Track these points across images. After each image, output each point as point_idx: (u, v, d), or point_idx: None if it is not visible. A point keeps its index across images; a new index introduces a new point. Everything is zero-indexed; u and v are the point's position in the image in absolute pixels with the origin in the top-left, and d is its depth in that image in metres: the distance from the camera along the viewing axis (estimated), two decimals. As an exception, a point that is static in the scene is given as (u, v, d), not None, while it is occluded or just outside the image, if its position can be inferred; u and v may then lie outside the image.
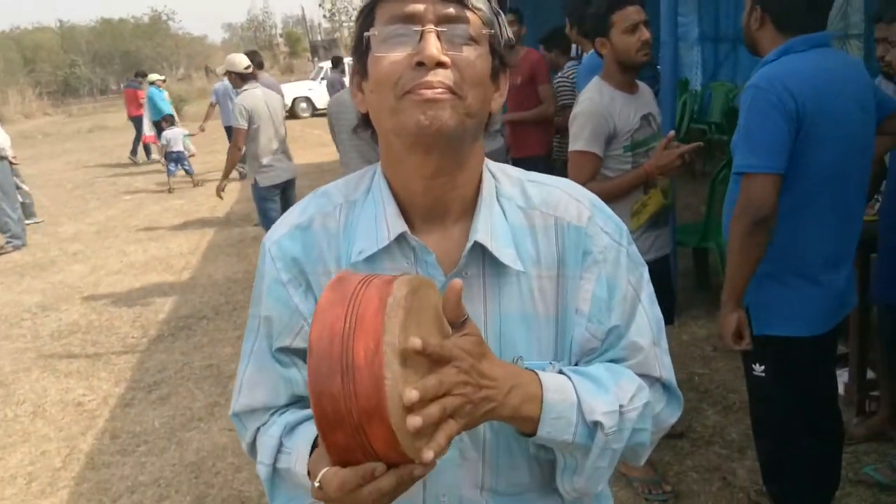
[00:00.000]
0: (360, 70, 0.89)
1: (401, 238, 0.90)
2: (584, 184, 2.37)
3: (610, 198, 2.44)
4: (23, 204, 8.81)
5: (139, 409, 3.75)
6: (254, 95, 4.93)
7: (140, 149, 13.29)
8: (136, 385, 4.06)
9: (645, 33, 2.42)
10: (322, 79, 18.46)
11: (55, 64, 45.79)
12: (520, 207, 0.93)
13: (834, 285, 1.94)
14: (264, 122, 4.88)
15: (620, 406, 0.88)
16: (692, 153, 2.36)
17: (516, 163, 4.63)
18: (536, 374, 0.86)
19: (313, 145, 12.89)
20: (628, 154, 2.46)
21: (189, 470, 3.13)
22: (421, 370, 0.73)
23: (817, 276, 1.92)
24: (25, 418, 3.83)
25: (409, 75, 0.80)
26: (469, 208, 0.92)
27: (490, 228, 0.90)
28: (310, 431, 0.90)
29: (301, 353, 0.95)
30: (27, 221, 8.88)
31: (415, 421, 0.67)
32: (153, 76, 12.01)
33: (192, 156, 10.61)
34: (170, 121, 10.85)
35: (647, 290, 0.97)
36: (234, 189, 9.93)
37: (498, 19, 0.88)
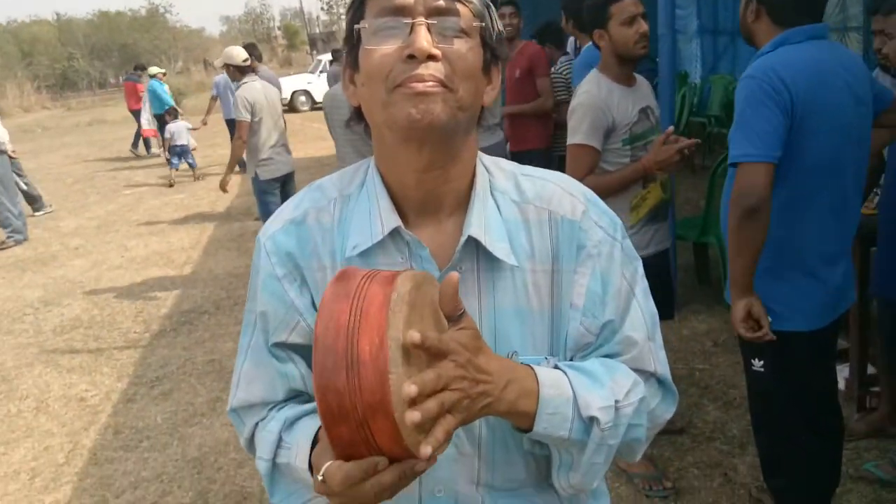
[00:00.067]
0: (352, 63, 0.89)
1: (395, 232, 0.90)
2: (582, 177, 2.40)
3: (608, 192, 2.44)
4: (30, 196, 8.85)
5: (141, 405, 3.77)
6: (254, 88, 4.94)
7: (150, 140, 13.26)
8: (138, 380, 4.07)
9: (643, 25, 2.42)
10: (321, 72, 18.42)
11: (53, 57, 45.64)
12: (514, 201, 0.93)
13: (832, 279, 1.95)
14: (265, 115, 4.90)
15: (616, 401, 0.88)
16: (691, 148, 2.37)
17: (515, 156, 4.64)
18: (532, 368, 0.86)
19: (312, 139, 12.87)
20: (627, 147, 2.46)
21: (191, 465, 3.14)
22: (422, 365, 0.74)
23: (815, 270, 1.92)
24: (28, 413, 3.84)
25: (399, 68, 0.80)
26: (463, 202, 0.92)
27: (484, 222, 0.90)
28: (309, 426, 0.91)
29: (297, 349, 0.95)
30: (39, 213, 8.93)
31: (413, 416, 0.68)
32: (154, 69, 11.97)
33: (194, 149, 10.62)
34: (173, 113, 10.84)
35: (642, 285, 0.97)
36: (234, 183, 9.90)
37: (489, 12, 0.87)
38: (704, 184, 4.48)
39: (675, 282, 3.85)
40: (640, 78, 2.59)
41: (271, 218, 0.99)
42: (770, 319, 1.89)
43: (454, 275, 0.78)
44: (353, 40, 0.87)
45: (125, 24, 49.60)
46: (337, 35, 32.71)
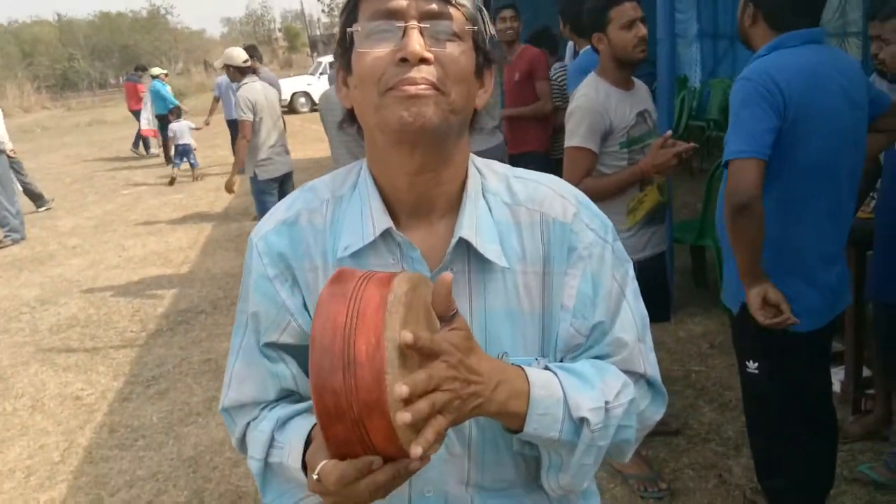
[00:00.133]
0: (345, 65, 0.89)
1: (386, 234, 0.90)
2: (579, 180, 2.41)
3: (606, 195, 2.45)
4: (32, 193, 8.88)
5: (137, 404, 3.77)
6: (254, 89, 4.98)
7: (149, 140, 13.29)
8: (134, 379, 4.07)
9: (642, 29, 2.42)
10: (321, 74, 18.46)
11: (53, 58, 45.69)
12: (505, 203, 0.93)
13: (829, 281, 1.95)
14: (264, 115, 4.95)
15: (606, 402, 0.88)
16: (688, 152, 2.37)
17: (514, 159, 4.64)
18: (523, 369, 0.86)
19: (312, 140, 12.87)
20: (624, 151, 2.46)
21: (187, 464, 3.14)
22: (416, 365, 0.74)
23: (810, 272, 1.93)
24: (24, 412, 3.84)
25: (392, 71, 0.81)
26: (454, 204, 0.92)
27: (475, 224, 0.90)
28: (302, 426, 0.91)
29: (289, 349, 0.95)
30: (41, 209, 8.97)
31: (404, 417, 0.68)
32: (156, 70, 12.02)
33: (194, 150, 10.66)
34: (177, 112, 10.89)
35: (632, 287, 0.97)
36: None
37: (481, 16, 0.88)
38: (702, 187, 4.50)
39: (672, 284, 3.86)
40: (638, 82, 2.59)
41: (264, 218, 0.99)
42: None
43: (447, 275, 0.78)
44: (346, 43, 0.88)
45: (126, 25, 49.66)
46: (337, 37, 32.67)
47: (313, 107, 18.82)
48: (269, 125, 4.99)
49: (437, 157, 0.87)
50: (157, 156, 12.86)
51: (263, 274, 0.94)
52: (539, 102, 4.61)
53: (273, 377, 0.96)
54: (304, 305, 0.94)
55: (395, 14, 0.81)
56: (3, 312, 5.52)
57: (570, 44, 4.89)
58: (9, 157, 7.75)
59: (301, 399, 0.97)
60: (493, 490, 0.96)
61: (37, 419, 3.74)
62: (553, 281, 0.92)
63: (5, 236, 7.63)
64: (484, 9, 0.90)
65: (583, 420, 0.86)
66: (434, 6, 0.82)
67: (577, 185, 2.39)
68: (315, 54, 29.61)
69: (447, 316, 0.79)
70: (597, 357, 0.94)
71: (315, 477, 0.76)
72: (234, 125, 7.64)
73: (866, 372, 2.92)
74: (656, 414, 0.99)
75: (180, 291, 5.58)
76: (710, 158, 7.01)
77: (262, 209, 5.01)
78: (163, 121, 11.35)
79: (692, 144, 2.39)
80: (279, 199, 4.13)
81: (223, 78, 9.56)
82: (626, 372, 0.94)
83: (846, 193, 1.94)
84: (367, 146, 0.92)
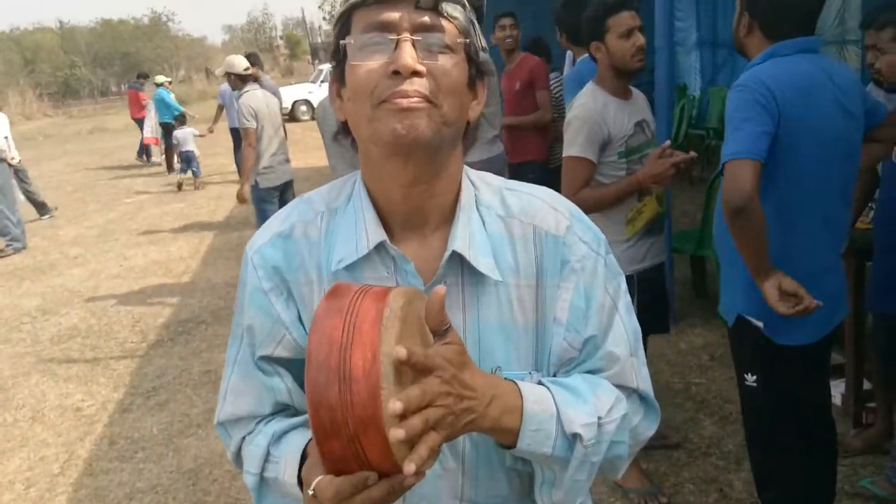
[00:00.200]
0: (338, 77, 0.89)
1: (380, 247, 0.90)
2: (578, 190, 2.41)
3: (604, 204, 2.45)
4: (35, 202, 8.93)
5: (137, 415, 3.76)
6: (255, 96, 5.02)
7: (150, 148, 13.36)
8: (134, 391, 4.07)
9: (640, 39, 2.43)
10: (322, 81, 18.49)
11: (55, 65, 45.81)
12: (499, 216, 0.93)
13: (823, 291, 1.94)
14: (266, 123, 4.97)
15: (599, 418, 0.88)
16: (686, 162, 2.37)
17: (514, 168, 4.65)
18: (516, 384, 0.86)
19: (312, 148, 12.89)
20: (623, 160, 2.47)
21: (186, 477, 3.14)
22: (410, 380, 0.74)
23: (804, 282, 1.92)
24: (24, 423, 3.84)
25: (384, 84, 0.81)
26: (448, 216, 0.92)
27: (468, 237, 0.90)
28: (297, 440, 0.91)
29: (283, 362, 0.95)
30: (45, 217, 9.01)
31: (398, 433, 0.68)
32: (160, 78, 12.09)
33: (197, 157, 10.74)
34: (182, 119, 10.96)
35: (625, 300, 0.97)
36: (233, 193, 9.90)
37: (473, 28, 0.88)
38: (702, 196, 4.50)
39: (672, 295, 3.85)
40: (636, 91, 2.60)
41: (259, 231, 0.99)
42: (762, 325, 1.88)
43: (440, 289, 0.78)
44: (340, 55, 0.88)
45: (128, 33, 49.80)
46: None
47: (314, 115, 18.84)
48: (271, 133, 5.01)
49: (431, 169, 0.87)
50: (159, 164, 12.90)
51: (258, 287, 0.94)
52: (539, 112, 4.62)
53: (268, 391, 0.96)
54: (299, 318, 0.94)
55: (388, 27, 0.82)
56: (4, 322, 5.52)
57: (569, 53, 4.91)
58: (10, 165, 7.77)
59: (297, 413, 0.97)
60: None
61: (37, 430, 3.74)
62: (546, 294, 0.92)
63: (7, 245, 7.65)
64: (476, 22, 0.90)
65: (576, 436, 0.86)
66: (426, 19, 0.82)
67: (575, 194, 2.42)
68: (316, 62, 29.68)
69: (440, 330, 0.79)
70: (589, 371, 0.94)
71: (311, 492, 0.76)
72: (237, 133, 7.70)
73: (867, 385, 2.91)
74: (649, 429, 0.99)
75: (181, 301, 5.59)
76: (710, 167, 7.01)
77: (263, 217, 5.02)
78: (167, 129, 11.41)
79: (690, 155, 2.40)
80: (279, 208, 4.14)
81: (226, 86, 9.60)
82: (619, 387, 0.94)
83: (839, 203, 1.94)
84: (361, 158, 0.92)
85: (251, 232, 7.31)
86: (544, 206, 0.95)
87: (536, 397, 0.86)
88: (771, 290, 1.82)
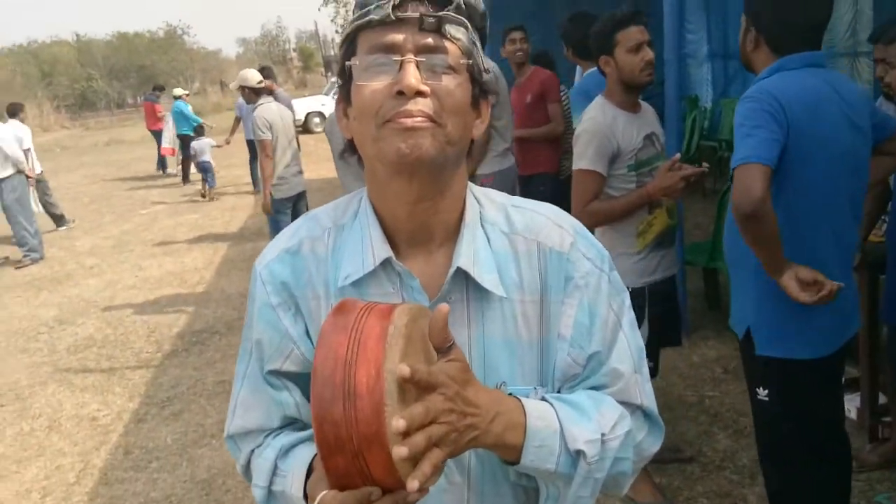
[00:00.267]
0: (344, 97, 0.92)
1: (386, 263, 0.91)
2: (587, 203, 2.42)
3: (613, 217, 2.47)
4: (54, 215, 9.06)
5: (152, 425, 3.80)
6: (270, 109, 5.12)
7: (166, 159, 13.54)
8: (149, 400, 4.10)
9: (648, 53, 2.45)
10: (335, 93, 18.59)
11: (72, 77, 46.36)
12: (503, 233, 0.95)
13: (836, 306, 1.94)
14: (280, 135, 5.07)
15: (602, 434, 0.89)
16: (696, 175, 2.38)
17: (524, 180, 4.67)
18: (520, 401, 0.87)
19: (325, 160, 12.92)
20: (632, 173, 2.48)
21: (200, 487, 3.16)
22: (414, 397, 0.75)
23: None
24: (41, 432, 3.88)
25: (389, 104, 0.82)
26: (453, 233, 0.93)
27: (473, 254, 0.91)
28: (304, 455, 0.92)
29: (292, 377, 0.97)
30: (62, 228, 9.13)
31: (401, 451, 0.69)
32: (178, 90, 12.30)
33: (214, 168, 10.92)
34: (199, 131, 11.15)
35: (629, 316, 0.98)
36: (247, 204, 10.05)
37: (476, 49, 0.90)
38: (714, 208, 4.48)
39: (684, 307, 3.85)
40: (644, 105, 2.62)
41: (268, 246, 1.02)
42: (757, 341, 1.87)
43: (444, 307, 0.80)
44: (346, 76, 0.90)
45: (143, 46, 50.35)
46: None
47: (327, 126, 18.95)
48: (284, 145, 5.12)
49: (435, 187, 0.89)
50: (175, 175, 13.04)
51: (267, 302, 0.96)
52: (551, 124, 4.64)
53: (277, 405, 0.97)
54: (307, 333, 0.96)
55: (392, 48, 0.84)
56: (21, 332, 5.59)
57: (580, 67, 4.94)
58: (29, 177, 7.89)
59: (304, 426, 0.99)
60: None
61: (53, 440, 3.78)
62: (551, 310, 0.93)
63: (24, 256, 7.75)
64: (479, 42, 0.92)
65: (579, 452, 0.87)
66: (430, 40, 0.84)
67: (584, 207, 2.44)
68: (329, 74, 29.89)
69: (444, 347, 0.81)
70: (593, 387, 0.95)
71: None
72: (253, 144, 7.83)
73: (883, 398, 2.89)
74: (653, 445, 0.99)
75: (195, 312, 5.63)
76: (723, 179, 6.99)
77: (276, 228, 5.08)
78: (186, 140, 11.58)
79: (700, 169, 2.40)
80: (292, 218, 4.18)
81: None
82: (623, 403, 0.95)
83: (848, 217, 1.94)
84: (367, 176, 0.94)
85: (265, 243, 7.33)
86: (548, 222, 0.96)
87: (540, 414, 0.87)
88: (789, 282, 1.81)
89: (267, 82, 6.67)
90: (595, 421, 0.89)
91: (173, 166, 13.23)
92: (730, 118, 7.62)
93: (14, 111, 8.42)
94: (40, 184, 8.69)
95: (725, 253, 2.14)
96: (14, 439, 3.83)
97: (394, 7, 0.83)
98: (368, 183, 0.95)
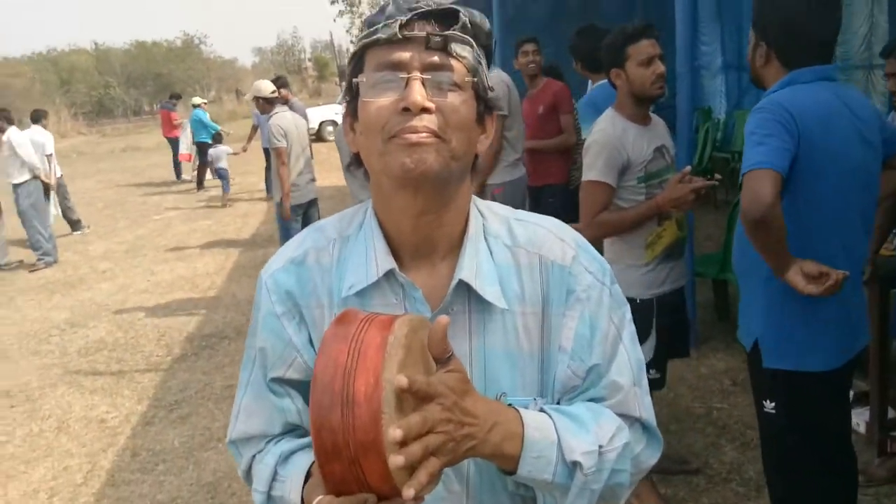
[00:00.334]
0: (352, 113, 0.94)
1: (389, 274, 0.93)
2: (596, 214, 2.43)
3: (622, 228, 2.46)
4: (70, 219, 9.18)
5: (160, 428, 3.82)
6: (285, 117, 5.25)
7: (182, 166, 13.70)
8: (157, 403, 4.13)
9: (660, 67, 2.45)
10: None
11: (90, 85, 46.87)
12: (506, 246, 0.96)
13: (842, 318, 1.93)
14: (294, 143, 5.17)
15: (600, 446, 0.89)
16: (706, 188, 2.38)
17: (534, 191, 4.67)
18: (518, 411, 0.88)
19: (337, 168, 12.95)
20: (642, 185, 2.48)
21: (206, 490, 3.17)
22: (412, 406, 0.76)
23: (824, 309, 1.91)
24: (50, 433, 3.91)
25: (395, 120, 0.84)
26: (456, 246, 0.95)
27: (476, 266, 0.92)
28: (303, 461, 0.93)
29: (294, 384, 0.98)
30: (76, 233, 9.24)
31: (397, 460, 0.70)
32: (196, 99, 12.60)
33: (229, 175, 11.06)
34: (217, 139, 11.33)
35: (629, 330, 0.99)
36: (260, 210, 10.11)
37: (481, 67, 0.91)
38: (725, 220, 4.47)
39: (693, 319, 3.83)
40: (655, 117, 2.62)
41: (274, 256, 1.03)
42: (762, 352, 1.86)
43: (443, 319, 0.81)
44: (353, 92, 0.92)
45: (161, 54, 50.85)
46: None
47: (340, 135, 19.05)
48: (298, 152, 5.22)
49: (439, 201, 0.90)
50: (190, 181, 13.17)
51: (271, 311, 0.98)
52: (564, 135, 4.65)
53: (279, 412, 0.99)
54: (310, 342, 0.97)
55: (399, 65, 0.86)
56: (33, 334, 5.65)
57: (590, 82, 4.95)
58: (44, 182, 7.99)
59: (306, 433, 1.00)
60: None
61: (62, 441, 3.80)
62: (552, 322, 0.94)
63: (38, 259, 7.83)
64: (484, 60, 0.93)
65: (576, 464, 0.87)
66: (436, 58, 0.86)
67: (593, 218, 2.44)
68: (343, 83, 30.08)
69: (443, 358, 0.82)
70: (592, 400, 0.95)
71: None
72: (269, 152, 7.95)
73: (892, 413, 2.86)
74: (651, 458, 1.00)
75: (206, 316, 5.67)
76: (735, 190, 6.95)
77: (286, 235, 5.14)
78: (203, 147, 11.75)
79: (710, 182, 2.40)
80: (302, 225, 4.24)
81: (260, 107, 9.89)
82: (621, 415, 0.95)
83: (859, 231, 1.94)
84: (373, 189, 0.95)
85: (276, 249, 7.38)
86: (551, 236, 0.97)
87: (538, 424, 0.88)
88: (795, 277, 1.80)
89: (283, 91, 6.81)
90: (593, 433, 0.90)
91: (188, 172, 13.37)
92: (743, 130, 7.60)
93: (37, 117, 8.64)
94: (60, 188, 8.83)
95: (734, 264, 2.13)
96: (23, 440, 3.86)
97: (401, 26, 0.85)
98: (374, 196, 0.96)
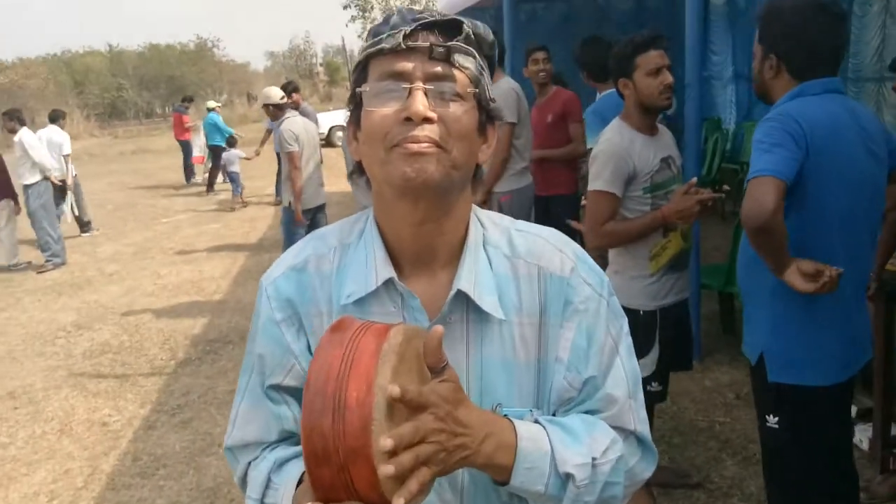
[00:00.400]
0: (355, 121, 0.94)
1: (388, 283, 0.93)
2: (602, 223, 2.42)
3: (627, 238, 2.45)
4: (81, 220, 9.26)
5: (161, 432, 3.82)
6: (296, 122, 5.32)
7: (194, 168, 13.80)
8: (160, 408, 4.13)
9: (668, 77, 2.45)
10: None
11: (103, 87, 47.17)
12: (505, 256, 0.96)
13: (846, 333, 1.91)
14: (304, 148, 5.23)
15: (593, 459, 0.89)
16: (712, 200, 2.36)
17: (541, 200, 4.65)
18: (512, 422, 0.88)
19: (345, 174, 13.07)
20: (648, 196, 2.47)
21: (205, 495, 3.17)
22: (405, 415, 0.76)
23: (827, 323, 1.89)
24: (52, 436, 3.92)
25: (397, 129, 0.85)
26: (456, 255, 0.95)
27: (474, 276, 0.93)
28: (297, 468, 0.93)
29: (292, 391, 0.98)
30: (86, 234, 9.31)
31: (387, 469, 0.70)
32: (211, 103, 12.79)
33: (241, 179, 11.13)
34: (232, 142, 11.43)
35: (626, 342, 0.99)
36: (268, 215, 10.14)
37: (483, 77, 0.92)
38: (732, 231, 4.44)
39: (698, 331, 3.80)
40: (662, 128, 2.61)
41: (275, 263, 1.04)
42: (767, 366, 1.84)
43: (438, 329, 0.81)
44: (357, 101, 0.93)
45: (174, 58, 51.14)
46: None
47: (349, 141, 19.12)
48: (307, 156, 5.28)
49: (440, 210, 0.91)
50: (200, 184, 13.26)
51: (271, 317, 0.98)
52: (573, 144, 4.63)
53: (276, 419, 0.99)
54: (309, 349, 0.98)
55: (402, 75, 0.86)
56: (39, 336, 5.67)
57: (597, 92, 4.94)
58: (55, 183, 8.05)
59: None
60: None
61: (64, 443, 3.81)
62: (549, 333, 0.94)
63: (47, 261, 7.88)
64: (487, 71, 0.93)
65: (569, 475, 0.88)
66: (438, 69, 0.86)
67: (599, 228, 2.43)
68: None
69: (438, 368, 0.82)
70: (587, 412, 0.95)
71: None
72: (279, 156, 8.00)
73: (895, 429, 2.83)
74: (646, 471, 1.00)
75: (210, 321, 5.68)
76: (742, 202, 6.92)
77: (290, 240, 5.17)
78: (217, 151, 11.84)
79: (716, 194, 2.39)
80: (308, 230, 4.26)
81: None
82: (616, 428, 0.95)
83: (864, 243, 1.93)
84: (374, 197, 0.96)
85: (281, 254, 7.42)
86: (550, 247, 0.98)
87: (531, 435, 0.88)
88: (792, 276, 1.80)
89: (295, 95, 6.86)
90: (586, 445, 0.90)
91: (200, 174, 13.48)
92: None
93: (55, 117, 8.83)
94: (76, 188, 8.92)
95: (739, 278, 2.12)
96: (25, 442, 3.87)
97: (405, 36, 0.86)
98: (375, 204, 0.97)
